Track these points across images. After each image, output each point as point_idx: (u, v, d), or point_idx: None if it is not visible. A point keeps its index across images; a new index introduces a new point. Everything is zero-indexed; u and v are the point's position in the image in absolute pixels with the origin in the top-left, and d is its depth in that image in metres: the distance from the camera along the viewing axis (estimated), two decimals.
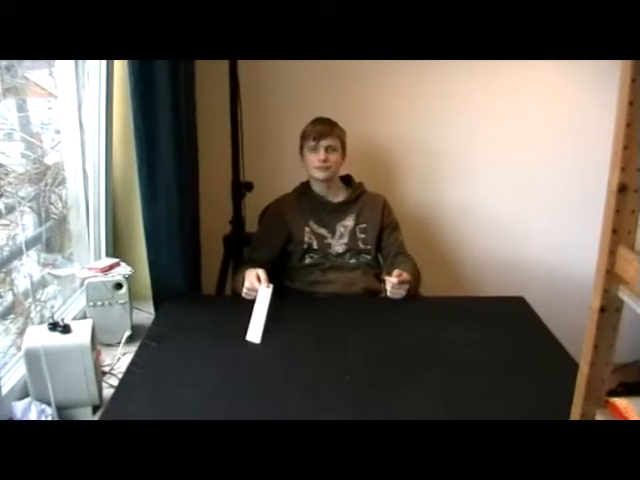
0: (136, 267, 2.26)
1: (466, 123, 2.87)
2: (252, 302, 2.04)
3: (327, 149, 2.37)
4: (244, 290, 2.13)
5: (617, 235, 1.07)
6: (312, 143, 2.37)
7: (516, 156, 2.92)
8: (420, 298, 2.39)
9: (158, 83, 2.04)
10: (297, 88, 2.78)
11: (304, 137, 2.42)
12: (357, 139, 2.64)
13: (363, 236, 2.44)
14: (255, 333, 1.95)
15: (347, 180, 2.58)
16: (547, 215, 3.00)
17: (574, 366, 1.22)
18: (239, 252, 2.60)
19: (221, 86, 2.48)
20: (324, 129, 2.38)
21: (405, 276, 2.20)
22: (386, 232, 2.45)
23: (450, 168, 2.94)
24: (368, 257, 2.43)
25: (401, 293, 2.20)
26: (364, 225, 2.46)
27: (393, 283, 2.18)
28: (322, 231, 2.45)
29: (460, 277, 3.08)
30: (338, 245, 2.43)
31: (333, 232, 2.44)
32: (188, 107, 2.28)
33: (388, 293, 2.21)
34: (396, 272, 2.21)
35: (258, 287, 2.06)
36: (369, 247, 2.43)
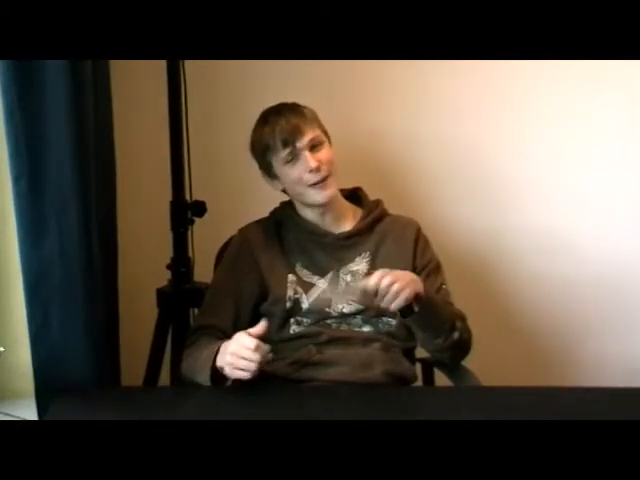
0: (7, 343, 1.84)
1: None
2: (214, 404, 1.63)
3: (312, 148, 1.89)
4: (238, 361, 1.64)
5: None
6: (285, 152, 1.88)
7: None
8: (481, 389, 1.85)
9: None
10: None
11: (265, 149, 1.92)
12: (362, 133, 2.25)
13: None
14: None
15: (355, 197, 2.07)
16: None
17: None
18: (183, 315, 2.14)
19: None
20: (292, 121, 1.90)
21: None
22: (421, 279, 1.97)
23: (517, 176, 2.39)
24: (392, 321, 1.91)
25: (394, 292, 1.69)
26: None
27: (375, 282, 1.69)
28: (316, 280, 1.94)
29: (543, 349, 2.47)
30: (343, 302, 1.91)
31: (334, 282, 1.94)
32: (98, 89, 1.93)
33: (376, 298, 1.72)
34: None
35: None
36: None
